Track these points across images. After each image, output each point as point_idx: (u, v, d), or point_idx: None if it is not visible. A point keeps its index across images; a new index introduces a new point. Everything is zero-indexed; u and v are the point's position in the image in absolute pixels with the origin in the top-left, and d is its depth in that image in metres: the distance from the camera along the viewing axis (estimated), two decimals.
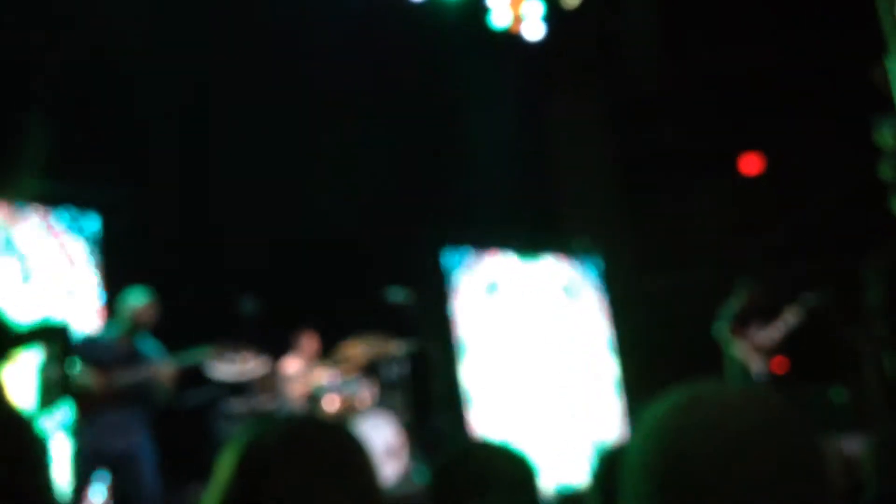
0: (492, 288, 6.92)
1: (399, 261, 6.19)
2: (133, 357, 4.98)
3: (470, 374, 6.54)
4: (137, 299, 4.95)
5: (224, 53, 5.84)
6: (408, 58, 6.75)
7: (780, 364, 5.82)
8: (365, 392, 5.56)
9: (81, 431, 4.70)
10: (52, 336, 3.96)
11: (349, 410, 5.42)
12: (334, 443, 1.22)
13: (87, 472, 4.60)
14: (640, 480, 0.97)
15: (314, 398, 5.35)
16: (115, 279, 5.33)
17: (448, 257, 6.78)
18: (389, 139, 6.57)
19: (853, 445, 4.27)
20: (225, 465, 1.20)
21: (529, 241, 7.37)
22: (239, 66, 5.90)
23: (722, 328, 5.87)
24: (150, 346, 5.03)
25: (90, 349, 4.81)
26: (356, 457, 1.23)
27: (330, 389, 5.40)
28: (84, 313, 5.37)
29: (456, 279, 6.69)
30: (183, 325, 5.29)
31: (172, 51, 5.56)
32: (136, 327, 4.93)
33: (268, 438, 1.21)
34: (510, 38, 7.41)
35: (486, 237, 7.06)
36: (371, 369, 5.83)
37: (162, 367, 4.90)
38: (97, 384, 4.80)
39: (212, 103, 5.82)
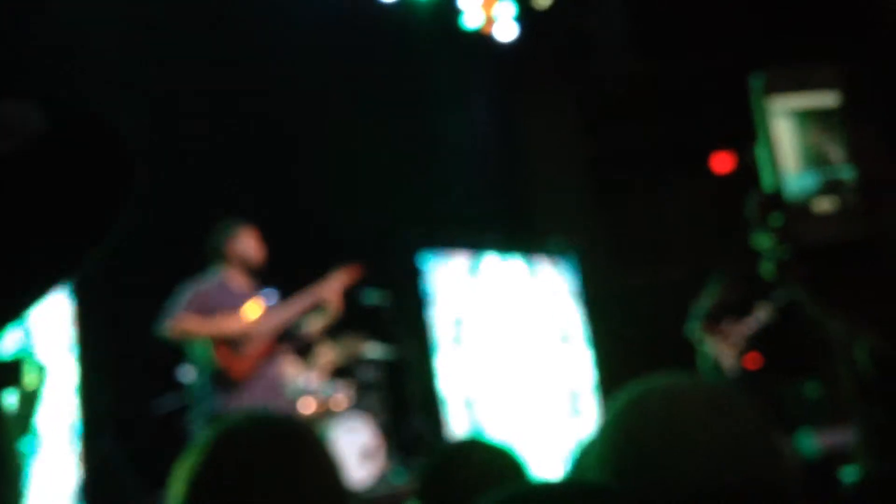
0: (467, 288, 6.91)
1: (374, 263, 6.17)
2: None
3: (446, 374, 6.53)
4: (229, 230, 4.28)
5: (193, 54, 5.79)
6: (380, 59, 6.73)
7: (753, 360, 5.85)
8: (341, 394, 5.53)
9: (237, 396, 4.03)
10: (29, 375, 3.78)
11: (325, 413, 5.39)
12: (290, 443, 1.20)
13: None
14: (599, 474, 1.00)
15: (290, 400, 5.31)
16: (84, 291, 5.24)
17: (423, 259, 6.76)
18: (362, 141, 6.55)
19: (830, 438, 4.31)
20: (179, 475, 1.17)
21: (504, 241, 7.37)
22: (209, 67, 5.86)
23: (694, 328, 5.90)
24: (265, 289, 4.32)
25: (210, 299, 4.12)
26: (315, 456, 1.20)
27: (305, 392, 5.36)
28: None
29: (431, 280, 6.67)
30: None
31: (141, 52, 5.51)
32: (241, 265, 4.22)
33: (221, 444, 1.18)
34: (482, 40, 7.42)
35: (462, 238, 7.06)
36: (347, 371, 5.81)
37: (326, 285, 4.24)
38: (254, 331, 4.09)
39: (180, 107, 5.76)
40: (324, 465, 1.18)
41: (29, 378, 3.72)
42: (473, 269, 7.06)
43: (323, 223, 6.14)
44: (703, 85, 7.56)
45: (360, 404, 5.67)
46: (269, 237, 5.72)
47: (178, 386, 5.29)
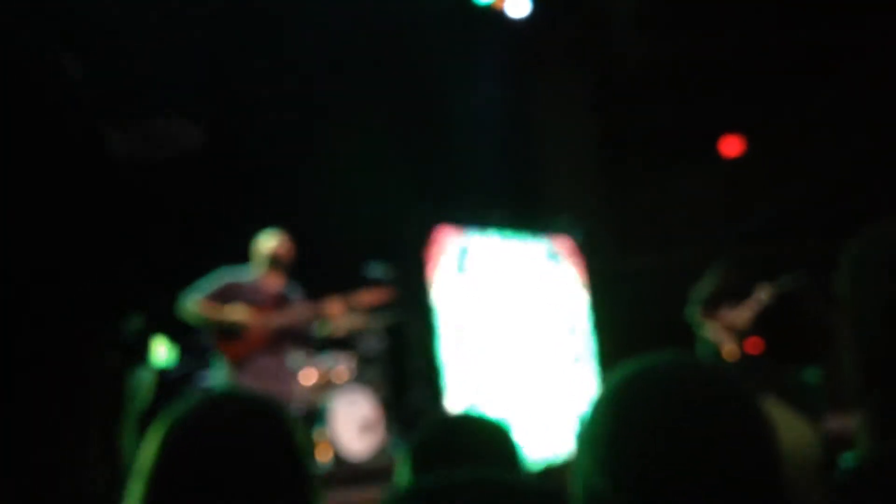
0: (472, 264, 6.92)
1: (379, 236, 6.18)
2: (284, 298, 4.99)
3: (448, 348, 6.54)
4: (270, 238, 4.99)
5: (208, 25, 5.77)
6: (391, 33, 6.70)
7: (754, 345, 5.84)
8: (342, 366, 5.56)
9: (232, 376, 4.68)
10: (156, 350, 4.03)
11: (326, 384, 5.42)
12: (255, 415, 1.24)
13: None
14: (593, 453, 1.00)
15: (285, 390, 5.34)
16: None
17: (428, 233, 6.76)
18: (371, 115, 6.54)
19: (830, 425, 4.30)
20: (148, 448, 1.21)
21: (511, 218, 7.37)
22: (220, 39, 5.84)
23: (693, 311, 5.89)
24: (295, 288, 5.04)
25: (236, 291, 4.79)
26: (286, 436, 1.24)
27: (307, 363, 5.38)
28: None
29: (436, 255, 6.68)
30: (166, 293, 5.26)
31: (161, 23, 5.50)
32: (275, 267, 4.93)
33: (188, 414, 1.22)
34: (495, 15, 7.37)
35: (468, 213, 7.06)
36: (349, 344, 5.83)
37: (331, 303, 4.94)
38: (253, 325, 4.76)
39: (188, 83, 5.74)
40: (292, 444, 1.21)
41: (156, 353, 3.83)
42: (479, 244, 7.06)
43: (332, 197, 6.15)
44: (715, 68, 7.52)
45: (361, 377, 5.70)
46: (277, 210, 5.74)
47: (183, 352, 5.33)
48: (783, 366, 6.03)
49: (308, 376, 5.37)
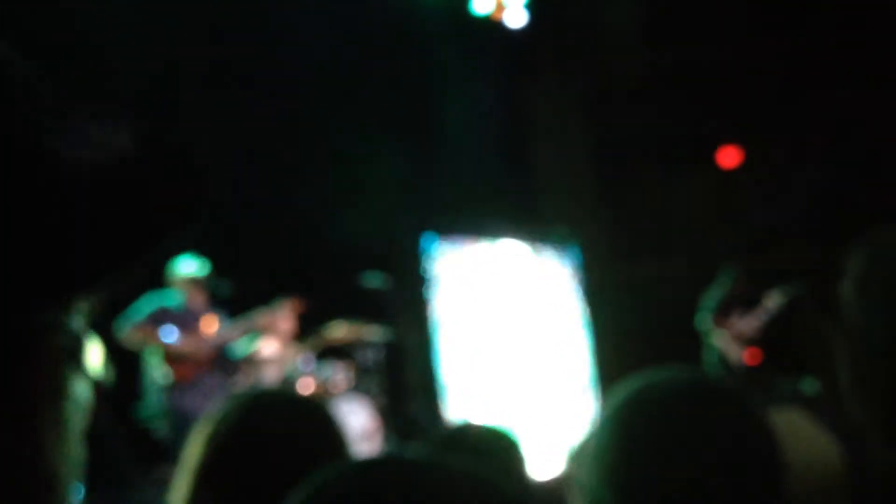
0: (469, 274, 6.91)
1: (376, 246, 6.17)
2: (214, 319, 5.11)
3: (446, 359, 6.53)
4: (188, 263, 5.04)
5: (198, 28, 5.76)
6: (387, 42, 6.70)
7: (752, 355, 5.85)
8: (340, 376, 5.54)
9: (178, 397, 4.75)
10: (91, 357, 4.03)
11: (324, 394, 5.40)
12: (302, 413, 1.26)
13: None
14: (599, 467, 1.00)
15: (289, 381, 5.33)
16: None
17: (425, 243, 6.76)
18: (368, 123, 6.54)
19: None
20: (194, 445, 1.21)
21: (508, 228, 7.37)
22: (212, 43, 5.83)
23: (706, 318, 5.87)
24: (218, 308, 5.14)
25: (169, 316, 4.87)
26: (331, 432, 1.24)
27: (305, 373, 5.37)
28: None
29: (433, 265, 6.67)
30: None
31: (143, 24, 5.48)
32: (197, 289, 5.01)
33: (234, 414, 1.23)
34: (492, 26, 7.39)
35: (464, 224, 7.05)
36: (346, 354, 5.82)
37: (267, 314, 5.08)
38: (195, 348, 4.88)
39: (182, 81, 5.73)
40: (338, 441, 1.22)
41: (91, 358, 3.80)
42: (476, 255, 7.05)
43: (327, 205, 6.14)
44: (712, 77, 7.53)
45: (358, 387, 5.68)
46: (275, 217, 5.71)
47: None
48: (781, 376, 6.03)
49: (305, 386, 5.35)
